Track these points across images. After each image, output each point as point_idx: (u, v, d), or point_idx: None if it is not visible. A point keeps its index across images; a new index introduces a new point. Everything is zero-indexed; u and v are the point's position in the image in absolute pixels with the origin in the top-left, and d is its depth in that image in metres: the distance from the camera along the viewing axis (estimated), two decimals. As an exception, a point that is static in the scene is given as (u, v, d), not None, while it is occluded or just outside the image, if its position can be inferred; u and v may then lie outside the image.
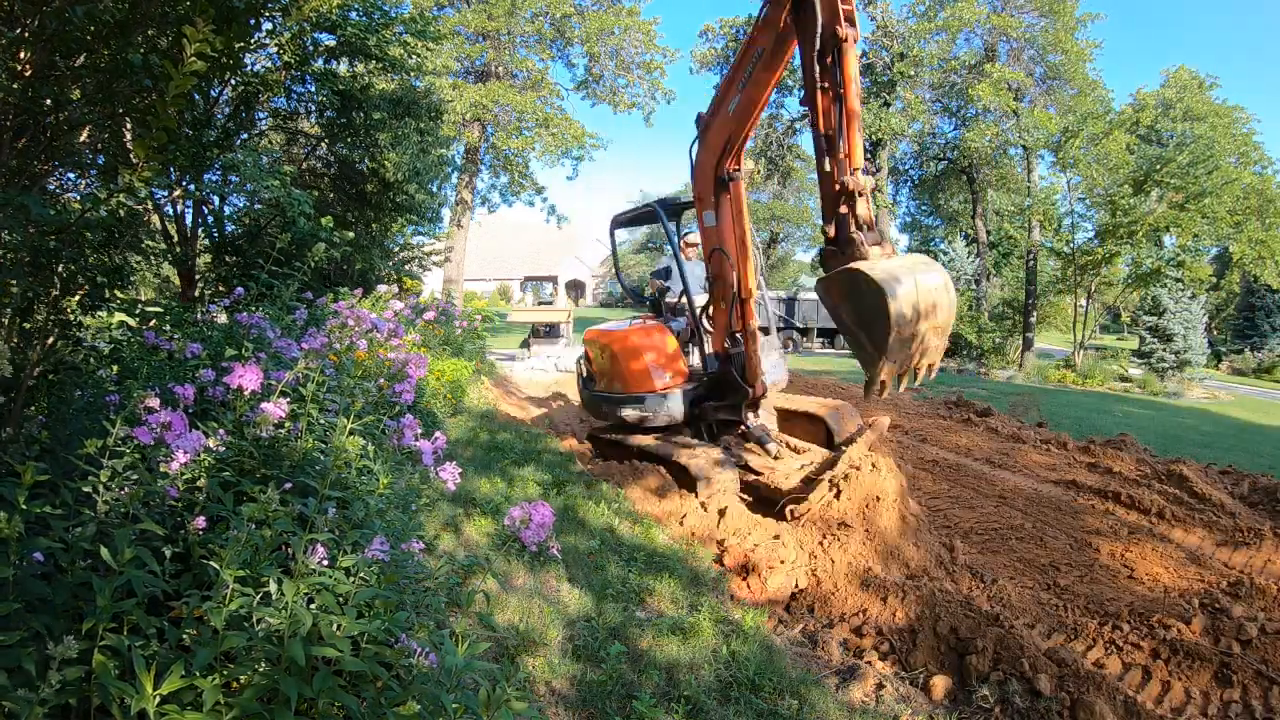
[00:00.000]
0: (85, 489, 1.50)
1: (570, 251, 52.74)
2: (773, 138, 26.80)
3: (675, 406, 6.11)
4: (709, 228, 5.72)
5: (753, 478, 5.64)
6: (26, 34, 2.49)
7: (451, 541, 4.19)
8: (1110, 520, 5.50)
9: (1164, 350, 18.94)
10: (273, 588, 1.41)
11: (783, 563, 4.40)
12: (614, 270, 8.32)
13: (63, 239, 2.54)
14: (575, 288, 54.60)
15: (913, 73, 22.39)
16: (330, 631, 1.41)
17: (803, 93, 4.21)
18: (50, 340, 2.75)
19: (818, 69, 4.06)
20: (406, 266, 11.98)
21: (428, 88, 10.87)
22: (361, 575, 1.53)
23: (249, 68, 5.90)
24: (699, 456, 5.63)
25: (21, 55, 2.52)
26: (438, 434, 1.90)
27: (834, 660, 3.58)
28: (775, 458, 5.75)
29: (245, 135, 6.56)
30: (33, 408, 2.50)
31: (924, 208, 33.78)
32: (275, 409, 1.74)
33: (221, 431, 1.75)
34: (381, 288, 6.23)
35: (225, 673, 1.34)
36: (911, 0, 23.08)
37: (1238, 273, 25.26)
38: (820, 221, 4.40)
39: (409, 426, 1.90)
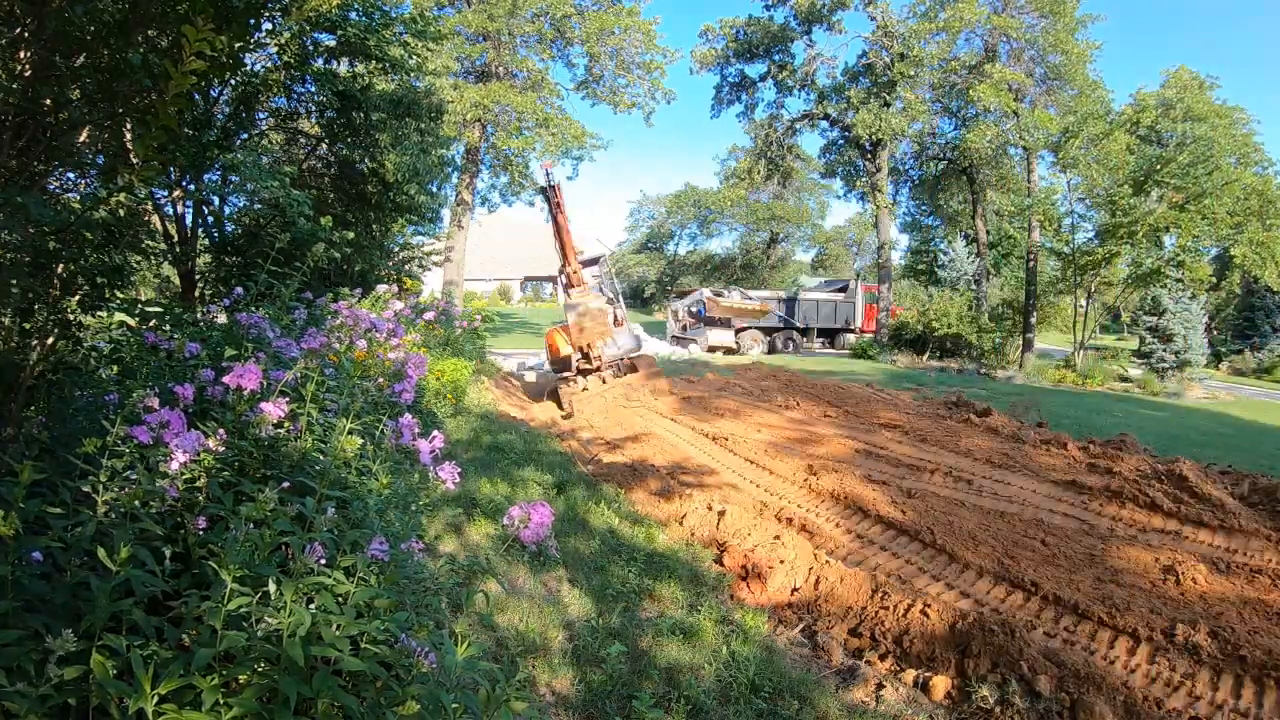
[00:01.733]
0: (84, 488, 1.50)
1: (570, 251, 52.63)
2: (773, 138, 26.79)
3: (570, 367, 11.38)
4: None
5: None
6: (26, 34, 2.49)
7: (453, 543, 4.19)
8: (1110, 521, 5.50)
9: (1164, 350, 18.93)
10: (272, 588, 1.41)
11: (782, 562, 4.40)
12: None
13: (63, 239, 2.54)
14: (575, 288, 54.52)
15: (913, 73, 22.39)
16: (329, 631, 1.41)
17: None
18: (50, 340, 2.75)
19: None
20: (406, 267, 11.98)
21: (428, 88, 10.87)
22: (361, 575, 1.52)
23: (249, 68, 5.90)
24: (564, 389, 10.86)
25: (21, 55, 2.52)
26: (436, 433, 1.90)
27: (834, 660, 3.58)
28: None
29: (245, 135, 6.56)
30: (33, 408, 2.50)
31: (924, 208, 33.79)
32: (274, 408, 1.74)
33: (221, 431, 1.75)
34: (381, 288, 6.22)
35: (224, 672, 1.34)
36: (912, 0, 23.10)
37: (1238, 273, 25.25)
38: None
39: (408, 426, 1.90)
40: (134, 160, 2.47)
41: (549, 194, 11.80)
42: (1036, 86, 22.28)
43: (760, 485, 6.52)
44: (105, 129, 3.07)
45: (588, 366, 11.03)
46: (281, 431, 1.87)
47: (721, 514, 5.12)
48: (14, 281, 2.39)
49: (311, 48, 6.42)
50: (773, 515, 5.47)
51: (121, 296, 3.02)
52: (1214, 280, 22.91)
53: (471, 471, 5.47)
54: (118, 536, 1.40)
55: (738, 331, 23.28)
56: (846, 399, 11.33)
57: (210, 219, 6.61)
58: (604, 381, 10.99)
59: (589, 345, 10.93)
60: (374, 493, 1.90)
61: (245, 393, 1.80)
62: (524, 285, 53.34)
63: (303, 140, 8.27)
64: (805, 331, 24.69)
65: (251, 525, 1.49)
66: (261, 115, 7.04)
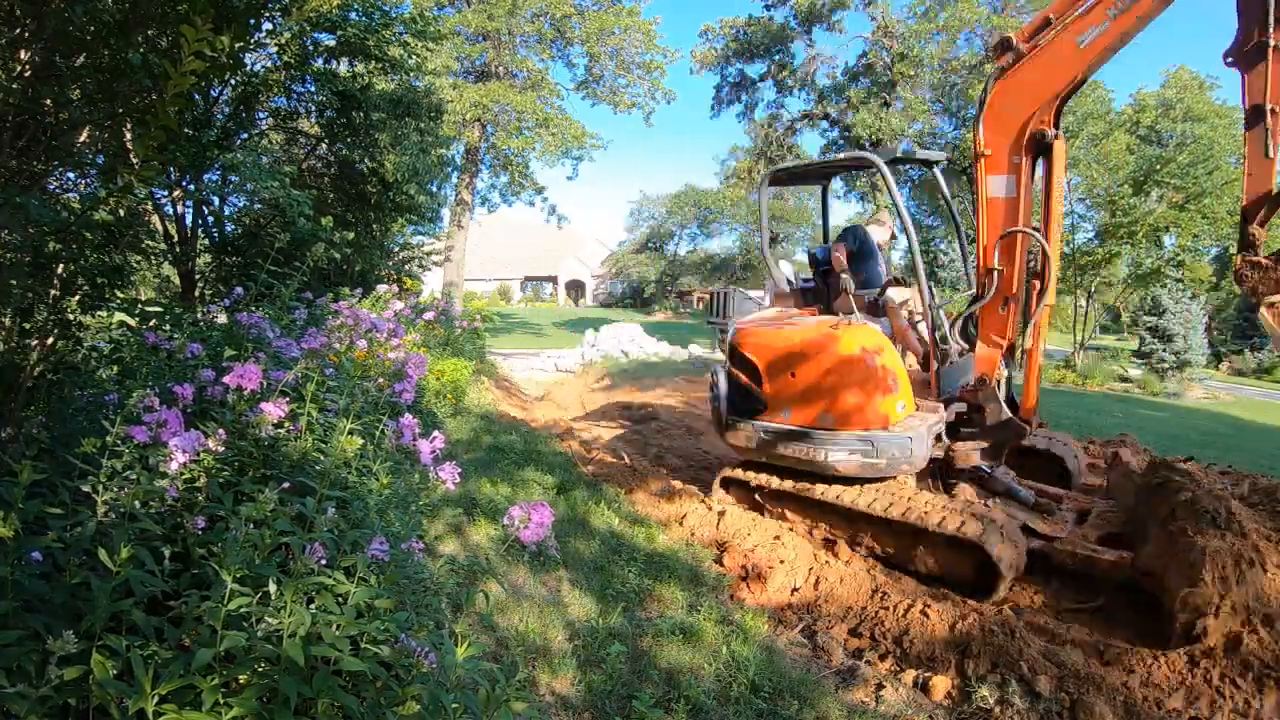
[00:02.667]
0: (84, 488, 1.50)
1: (570, 251, 52.77)
2: (773, 138, 26.80)
3: (920, 449, 4.35)
4: (996, 198, 4.36)
5: (1038, 543, 4.29)
6: (26, 34, 2.49)
7: (454, 544, 4.19)
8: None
9: (1164, 350, 18.94)
10: (272, 588, 1.41)
11: (782, 562, 4.41)
12: (762, 240, 6.36)
13: (63, 239, 2.54)
14: (575, 288, 54.63)
15: (913, 73, 22.41)
16: (329, 632, 1.41)
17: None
18: (50, 340, 2.75)
19: (1273, 15, 3.18)
20: (406, 267, 11.98)
21: (428, 88, 10.87)
22: (361, 575, 1.53)
23: (249, 68, 5.90)
24: (990, 529, 3.97)
25: (21, 55, 2.52)
26: (436, 434, 1.90)
27: (834, 661, 3.58)
28: (1034, 508, 4.66)
29: (245, 135, 6.56)
30: (32, 408, 2.50)
31: (924, 208, 33.77)
32: (274, 408, 1.74)
33: (221, 431, 1.75)
34: (381, 288, 6.23)
35: (224, 673, 1.34)
36: (912, 1, 23.11)
37: (1238, 273, 25.23)
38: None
39: (408, 426, 1.90)
40: (134, 160, 2.48)
41: None
42: (1036, 86, 22.27)
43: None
44: (105, 129, 3.07)
45: (981, 443, 4.72)
46: (281, 431, 1.87)
47: (721, 514, 5.12)
48: (14, 281, 2.39)
49: (311, 48, 6.42)
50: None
51: (121, 296, 3.03)
52: (1214, 280, 22.91)
53: (472, 472, 5.47)
54: (117, 536, 1.40)
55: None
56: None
57: (210, 219, 6.61)
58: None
59: None
60: (374, 493, 1.90)
61: (245, 393, 1.80)
62: (524, 285, 53.42)
63: (303, 140, 8.27)
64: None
65: (251, 525, 1.49)
66: (261, 115, 7.05)
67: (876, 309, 5.25)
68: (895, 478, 4.51)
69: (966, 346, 4.77)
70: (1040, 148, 4.23)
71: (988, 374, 4.56)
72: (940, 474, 4.88)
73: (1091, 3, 3.88)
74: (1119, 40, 3.87)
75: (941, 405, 4.71)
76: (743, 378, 5.02)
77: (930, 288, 4.81)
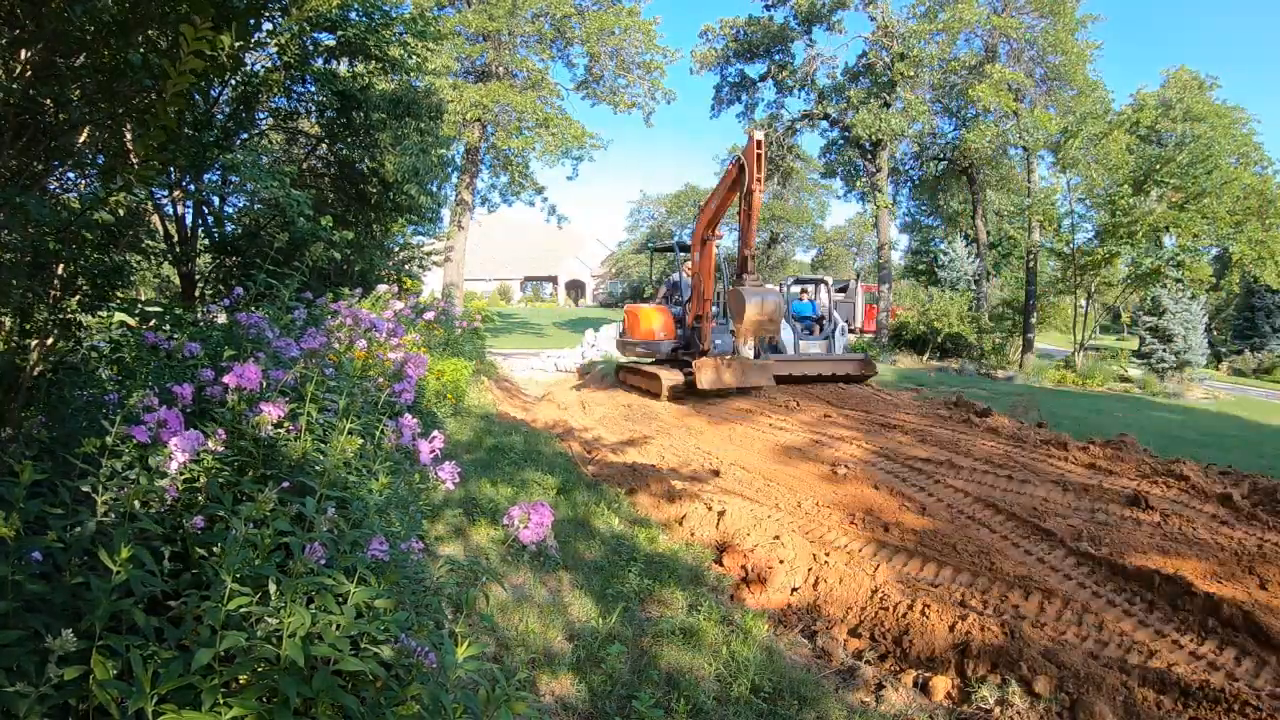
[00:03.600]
0: (84, 488, 1.50)
1: (570, 251, 52.74)
2: (773, 138, 26.76)
3: (663, 349, 12.22)
4: (696, 261, 11.63)
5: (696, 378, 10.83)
6: (26, 34, 2.49)
7: (454, 545, 4.19)
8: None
9: (1164, 351, 18.92)
10: (272, 588, 1.41)
11: (782, 563, 4.40)
12: (652, 280, 15.32)
13: (63, 239, 2.54)
14: (575, 288, 54.62)
15: (913, 73, 22.37)
16: (329, 631, 1.41)
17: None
18: (50, 340, 2.75)
19: (746, 203, 10.04)
20: (406, 267, 11.98)
21: (428, 88, 10.87)
22: (361, 575, 1.52)
23: (249, 68, 5.90)
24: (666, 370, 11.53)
25: (21, 55, 2.52)
26: (436, 434, 1.90)
27: (834, 661, 3.58)
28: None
29: (245, 135, 6.56)
30: (32, 408, 2.50)
31: (924, 208, 33.78)
32: (274, 409, 1.74)
33: (220, 431, 1.75)
34: (381, 288, 6.23)
35: (224, 672, 1.34)
36: (912, 1, 23.09)
37: (1238, 273, 25.23)
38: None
39: (408, 426, 1.90)
40: (134, 160, 2.48)
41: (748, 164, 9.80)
42: (1036, 86, 22.26)
43: (775, 483, 6.52)
44: (105, 129, 3.07)
45: None
46: (281, 431, 1.87)
47: (721, 514, 5.11)
48: (14, 281, 2.39)
49: (311, 48, 6.41)
50: (773, 512, 5.47)
51: (121, 296, 3.03)
52: (1214, 280, 22.90)
53: (473, 473, 5.47)
54: (117, 536, 1.40)
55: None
56: (847, 399, 11.33)
57: (210, 219, 6.61)
58: None
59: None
60: (374, 493, 1.90)
61: (245, 393, 1.80)
62: (524, 285, 53.39)
63: (303, 140, 8.27)
64: (806, 331, 24.64)
65: (251, 525, 1.49)
66: (261, 115, 7.04)
67: (679, 303, 12.89)
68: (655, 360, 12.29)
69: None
70: (704, 243, 11.36)
71: (690, 325, 12.01)
72: (680, 364, 11.71)
73: (709, 197, 11.59)
74: (721, 210, 11.15)
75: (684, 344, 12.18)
76: (626, 324, 13.17)
77: (682, 296, 12.55)
